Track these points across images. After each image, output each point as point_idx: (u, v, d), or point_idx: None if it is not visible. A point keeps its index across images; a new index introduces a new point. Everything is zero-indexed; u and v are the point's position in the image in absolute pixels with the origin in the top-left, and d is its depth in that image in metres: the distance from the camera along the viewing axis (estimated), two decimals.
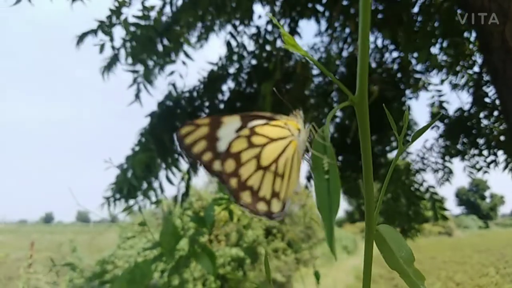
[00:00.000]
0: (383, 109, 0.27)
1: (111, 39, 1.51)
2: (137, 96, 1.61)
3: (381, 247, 0.24)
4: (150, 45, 1.60)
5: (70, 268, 2.50)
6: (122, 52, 1.57)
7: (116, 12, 1.50)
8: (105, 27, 1.49)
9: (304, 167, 2.02)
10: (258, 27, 1.86)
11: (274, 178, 0.28)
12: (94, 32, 1.50)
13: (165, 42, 1.65)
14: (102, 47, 1.46)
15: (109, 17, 1.50)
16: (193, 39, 1.78)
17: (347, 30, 1.96)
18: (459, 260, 4.75)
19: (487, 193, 18.55)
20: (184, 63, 1.72)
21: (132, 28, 1.53)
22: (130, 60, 1.59)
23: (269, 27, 1.85)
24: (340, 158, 2.08)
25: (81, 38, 1.51)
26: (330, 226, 0.21)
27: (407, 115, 0.25)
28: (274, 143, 0.28)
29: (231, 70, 1.91)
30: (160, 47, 1.65)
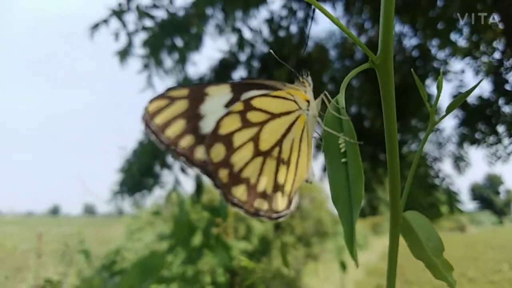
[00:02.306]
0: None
1: (124, 26, 1.46)
2: (149, 82, 1.56)
3: (407, 236, 0.21)
4: (164, 36, 1.54)
5: (84, 256, 2.49)
6: (136, 40, 1.53)
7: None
8: (118, 14, 1.44)
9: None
10: (271, 12, 1.79)
11: (278, 166, 0.22)
12: (105, 21, 1.44)
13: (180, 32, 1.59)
14: (116, 36, 1.41)
15: (120, 5, 1.45)
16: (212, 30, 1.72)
17: (364, 16, 1.90)
18: (472, 256, 4.69)
19: (501, 189, 18.37)
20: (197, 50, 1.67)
21: (146, 21, 1.48)
22: (143, 50, 1.54)
23: (284, 12, 1.79)
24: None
25: (94, 28, 1.45)
26: (350, 225, 0.17)
27: (441, 81, 0.21)
28: (277, 120, 0.22)
29: (243, 58, 1.86)
30: (173, 38, 1.59)
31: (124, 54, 1.48)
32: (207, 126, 0.21)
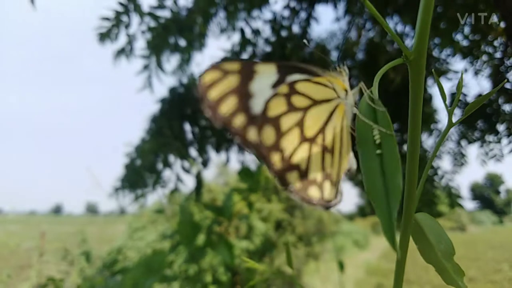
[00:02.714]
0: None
1: (127, 26, 1.46)
2: (148, 82, 1.56)
3: (417, 239, 0.20)
4: (167, 36, 1.54)
5: (84, 257, 2.51)
6: (137, 40, 1.53)
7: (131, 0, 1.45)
8: (121, 16, 1.44)
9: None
10: (274, 13, 1.80)
11: (323, 154, 0.21)
12: (116, 26, 1.44)
13: (183, 32, 1.59)
14: (116, 36, 1.41)
15: (124, 6, 1.45)
16: (216, 30, 1.72)
17: (365, 17, 1.90)
18: (473, 256, 4.69)
19: (501, 188, 18.28)
20: (201, 49, 1.67)
21: (150, 22, 1.48)
22: (145, 50, 1.55)
23: (286, 13, 1.79)
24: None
25: (106, 34, 1.44)
26: (387, 217, 0.16)
27: (461, 84, 0.20)
28: (318, 106, 0.21)
29: (245, 57, 1.86)
30: (176, 38, 1.59)
31: (121, 53, 1.48)
32: (256, 106, 0.20)
